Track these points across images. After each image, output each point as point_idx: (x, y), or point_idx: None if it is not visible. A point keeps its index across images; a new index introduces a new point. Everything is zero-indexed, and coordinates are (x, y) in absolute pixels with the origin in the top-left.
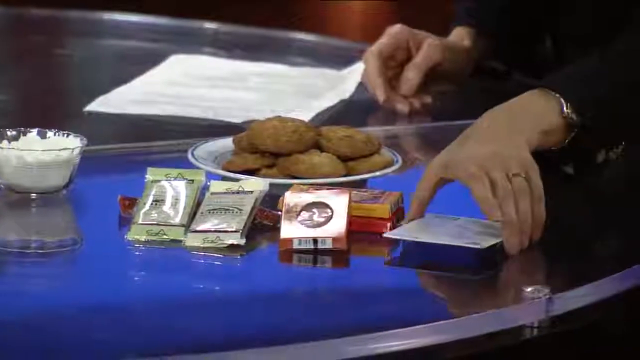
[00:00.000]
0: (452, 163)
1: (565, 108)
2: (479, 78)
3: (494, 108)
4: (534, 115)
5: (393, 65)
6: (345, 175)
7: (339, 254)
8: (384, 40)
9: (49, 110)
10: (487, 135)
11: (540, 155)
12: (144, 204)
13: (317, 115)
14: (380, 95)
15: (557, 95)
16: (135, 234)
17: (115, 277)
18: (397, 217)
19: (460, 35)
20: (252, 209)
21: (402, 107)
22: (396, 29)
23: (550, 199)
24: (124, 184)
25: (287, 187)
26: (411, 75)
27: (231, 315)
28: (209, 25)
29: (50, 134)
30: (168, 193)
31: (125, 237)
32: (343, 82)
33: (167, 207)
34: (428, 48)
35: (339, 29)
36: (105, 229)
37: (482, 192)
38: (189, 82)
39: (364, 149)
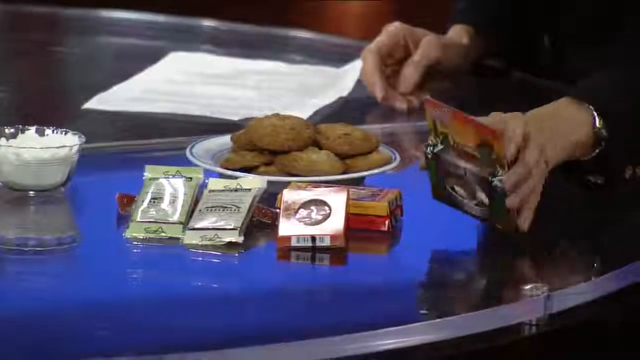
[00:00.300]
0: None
1: (597, 123)
2: (478, 76)
3: (526, 114)
4: (565, 124)
5: (391, 63)
6: (343, 173)
7: (337, 252)
8: (381, 38)
9: (47, 107)
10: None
11: (567, 164)
12: (142, 201)
13: (316, 112)
14: (379, 93)
15: (590, 107)
16: (134, 232)
17: (113, 275)
18: (395, 214)
19: (458, 33)
20: (250, 206)
21: (400, 104)
22: (394, 26)
23: (553, 199)
24: (122, 182)
25: (285, 184)
26: (409, 73)
27: (229, 312)
28: (208, 22)
29: (48, 131)
30: (166, 191)
31: (123, 234)
32: (341, 80)
33: (165, 205)
34: (426, 46)
35: (337, 27)
36: (103, 226)
37: (517, 125)
38: (188, 79)
39: (362, 146)
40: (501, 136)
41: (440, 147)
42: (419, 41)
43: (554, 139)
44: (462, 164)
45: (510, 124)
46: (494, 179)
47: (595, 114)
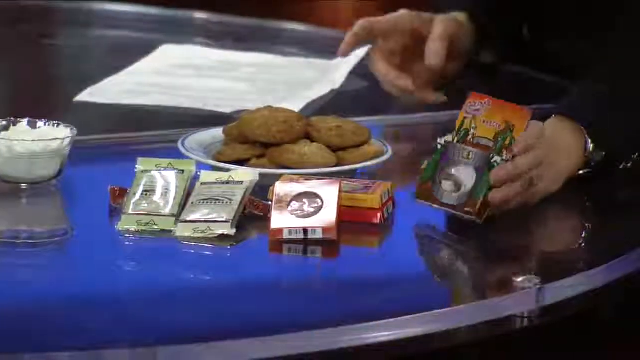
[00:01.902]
0: None
1: (590, 148)
2: (468, 72)
3: None
4: (560, 154)
5: (399, 51)
6: (335, 166)
7: (329, 244)
8: (384, 26)
9: (39, 100)
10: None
11: None
12: (134, 194)
13: (307, 105)
14: (410, 86)
15: (582, 128)
16: (126, 224)
17: (105, 267)
18: (387, 207)
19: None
20: (243, 199)
21: (431, 97)
22: (396, 17)
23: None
24: (114, 174)
25: (278, 177)
26: (436, 47)
27: (221, 305)
28: (200, 15)
29: (40, 124)
30: (158, 183)
31: (115, 227)
32: (333, 72)
33: (157, 197)
34: (443, 22)
35: (329, 19)
36: (95, 219)
37: (535, 129)
38: (180, 72)
39: (353, 139)
40: (529, 117)
41: (456, 139)
42: (431, 21)
43: (548, 169)
44: (471, 148)
45: (534, 124)
46: (496, 156)
47: (588, 138)
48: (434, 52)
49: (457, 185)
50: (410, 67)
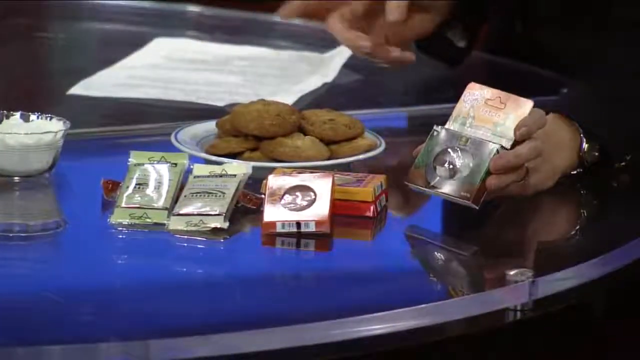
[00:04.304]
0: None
1: (584, 147)
2: (433, 49)
3: None
4: (555, 151)
5: (362, 14)
6: (328, 159)
7: (322, 237)
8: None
9: (32, 93)
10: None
11: None
12: (127, 187)
13: (301, 98)
14: (368, 47)
15: (579, 128)
16: (119, 217)
17: (98, 261)
18: (380, 200)
19: None
20: (236, 192)
21: (394, 53)
22: None
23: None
24: (107, 167)
25: (270, 170)
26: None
27: (214, 298)
28: (192, 8)
29: (33, 117)
30: (151, 176)
31: (108, 220)
32: (326, 65)
33: (150, 191)
34: None
35: None
36: (88, 212)
37: (537, 116)
38: (172, 65)
39: (347, 132)
40: (530, 107)
41: (452, 126)
42: None
43: (544, 163)
44: (468, 135)
45: (536, 111)
46: (495, 144)
47: (584, 137)
48: (394, 5)
49: (453, 171)
50: (374, 28)
